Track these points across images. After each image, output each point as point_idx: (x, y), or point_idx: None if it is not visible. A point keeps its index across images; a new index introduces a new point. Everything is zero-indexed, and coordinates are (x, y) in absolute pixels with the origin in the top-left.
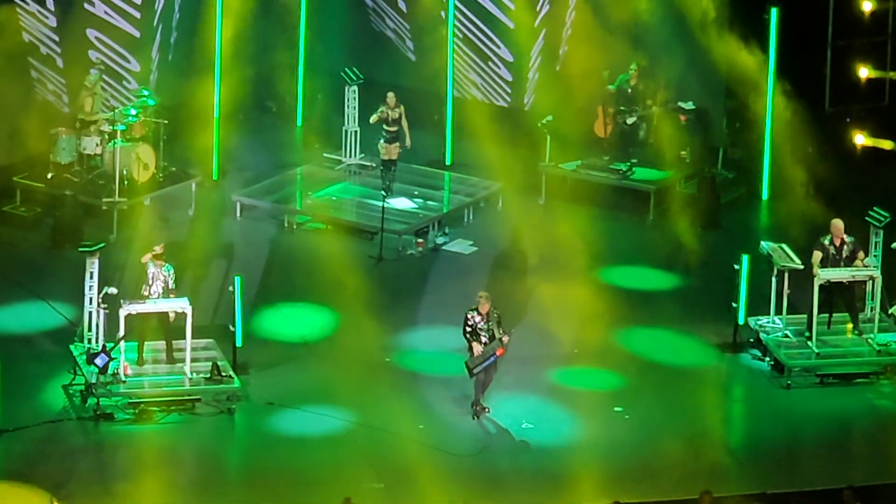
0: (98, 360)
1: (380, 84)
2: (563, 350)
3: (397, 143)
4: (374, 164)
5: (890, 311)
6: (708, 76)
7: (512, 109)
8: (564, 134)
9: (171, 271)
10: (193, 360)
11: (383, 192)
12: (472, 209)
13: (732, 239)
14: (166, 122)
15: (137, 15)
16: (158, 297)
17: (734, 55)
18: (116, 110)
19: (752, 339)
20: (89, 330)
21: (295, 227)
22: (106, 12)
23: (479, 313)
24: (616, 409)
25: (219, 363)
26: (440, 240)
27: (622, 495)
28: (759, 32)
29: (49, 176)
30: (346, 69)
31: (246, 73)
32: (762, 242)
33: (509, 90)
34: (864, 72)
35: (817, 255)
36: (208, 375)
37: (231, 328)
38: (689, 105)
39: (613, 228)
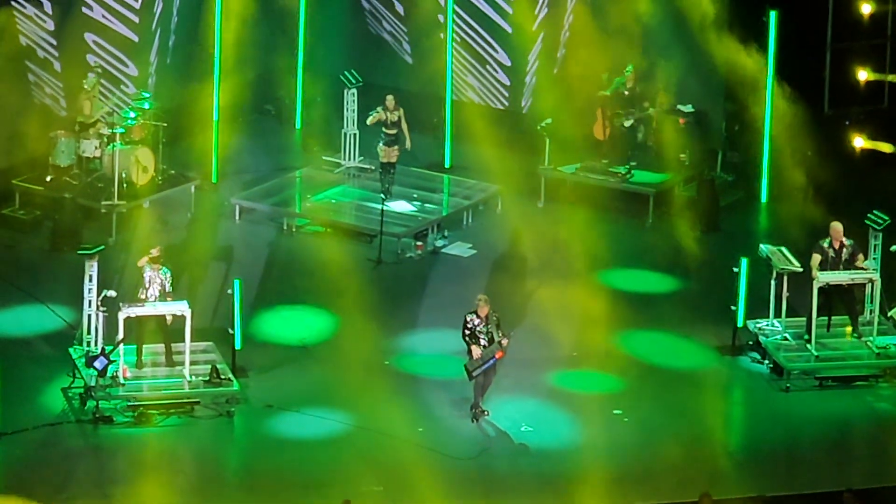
0: (97, 363)
1: (379, 87)
2: (562, 353)
3: (396, 146)
4: (373, 167)
5: (889, 314)
6: (707, 79)
7: (510, 112)
8: (563, 137)
9: (168, 274)
10: (192, 362)
11: (382, 195)
12: (472, 212)
13: (732, 241)
14: (165, 125)
15: (136, 19)
16: (155, 301)
17: (733, 58)
18: (115, 114)
19: (751, 342)
20: (88, 333)
21: (294, 229)
22: (104, 16)
23: (479, 316)
24: (615, 411)
25: (218, 366)
26: (439, 243)
27: (621, 498)
28: (758, 35)
29: (48, 179)
30: (346, 72)
31: (245, 77)
32: (761, 245)
33: (507, 93)
34: (863, 74)
35: (816, 258)
36: (207, 378)
37: (230, 331)
38: (688, 108)
39: (612, 231)
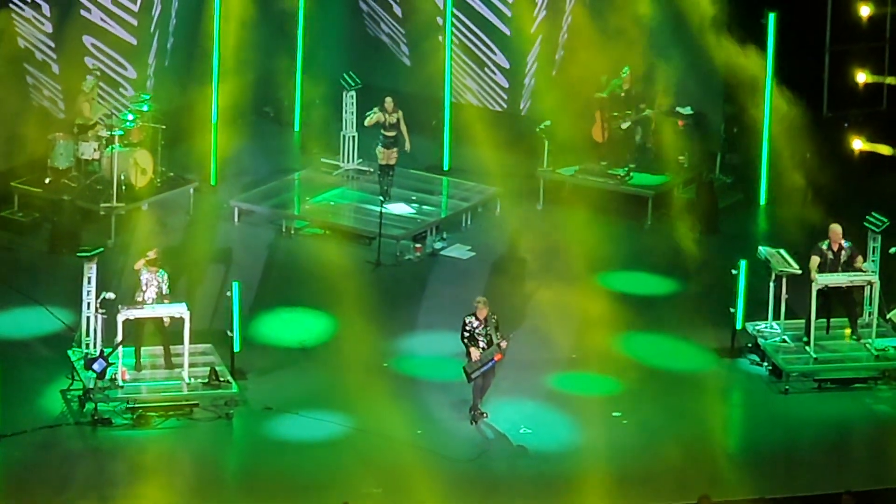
0: (96, 366)
1: (377, 89)
2: (561, 355)
3: (395, 148)
4: (371, 169)
5: (888, 316)
6: (706, 81)
7: (509, 114)
8: (562, 139)
9: (165, 276)
10: (191, 365)
11: (381, 197)
12: (470, 214)
13: (730, 244)
14: (164, 127)
15: (134, 22)
16: (152, 303)
17: (732, 60)
18: (113, 117)
19: (750, 344)
20: (87, 335)
21: (293, 232)
22: (102, 19)
23: (478, 318)
24: (614, 413)
25: (217, 368)
26: (438, 245)
27: (621, 500)
28: (757, 37)
29: (47, 181)
30: (345, 74)
31: (244, 79)
32: (760, 247)
33: (505, 96)
34: (861, 77)
35: (815, 260)
36: (206, 380)
37: (229, 333)
38: (687, 110)
39: (611, 233)
